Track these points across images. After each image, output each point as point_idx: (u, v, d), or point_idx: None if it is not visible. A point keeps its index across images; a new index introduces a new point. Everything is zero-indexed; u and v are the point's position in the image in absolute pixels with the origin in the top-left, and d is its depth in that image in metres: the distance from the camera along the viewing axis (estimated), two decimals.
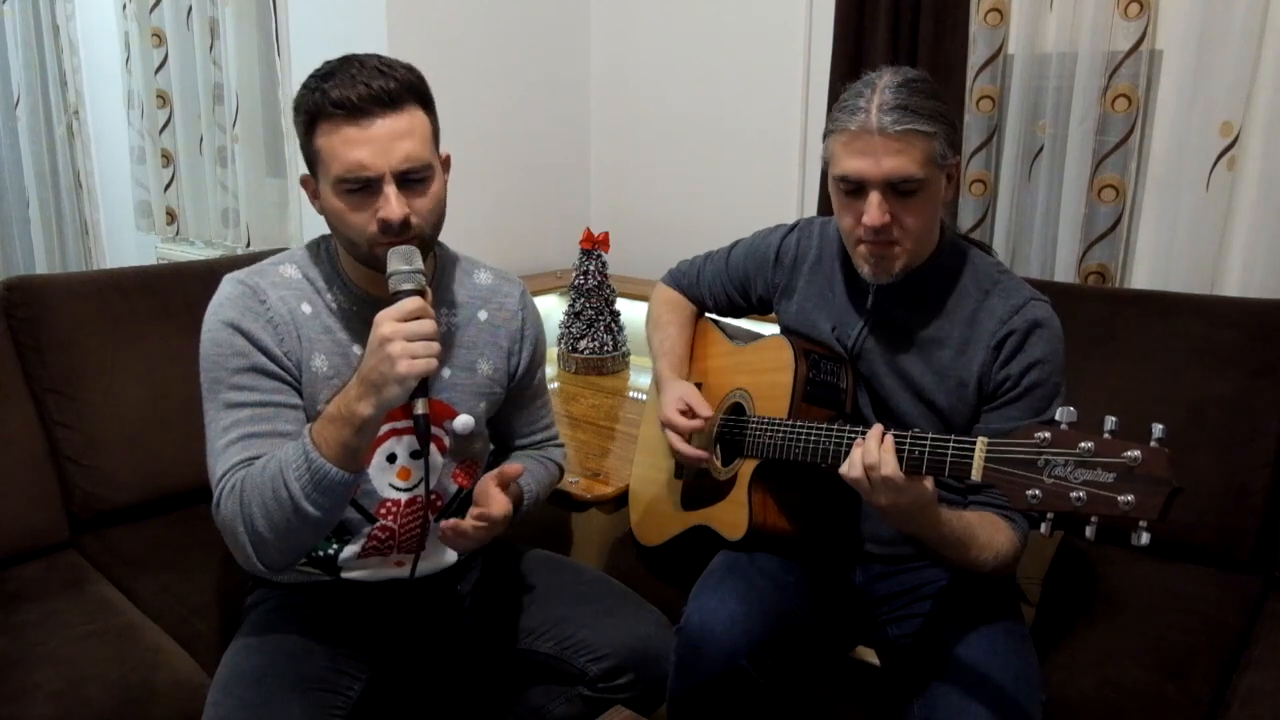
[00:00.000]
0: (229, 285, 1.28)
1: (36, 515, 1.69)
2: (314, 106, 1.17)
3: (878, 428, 1.15)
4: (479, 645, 1.45)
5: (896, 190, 1.23)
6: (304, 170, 1.27)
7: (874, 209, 1.23)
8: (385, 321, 1.11)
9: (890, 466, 1.11)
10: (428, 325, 1.12)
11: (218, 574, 1.64)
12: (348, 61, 1.18)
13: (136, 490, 1.79)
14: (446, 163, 1.29)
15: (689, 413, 1.44)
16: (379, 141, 1.15)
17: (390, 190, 1.17)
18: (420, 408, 1.14)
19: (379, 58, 1.19)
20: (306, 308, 1.29)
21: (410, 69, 1.21)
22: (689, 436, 1.45)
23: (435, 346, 1.12)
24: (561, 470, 1.58)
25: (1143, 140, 2.03)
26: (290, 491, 1.14)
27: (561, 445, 1.60)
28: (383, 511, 1.35)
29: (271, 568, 1.23)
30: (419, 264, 1.17)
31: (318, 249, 1.35)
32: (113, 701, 1.32)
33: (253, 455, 1.21)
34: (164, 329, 1.84)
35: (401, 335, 1.09)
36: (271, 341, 1.25)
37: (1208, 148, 1.91)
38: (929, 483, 1.13)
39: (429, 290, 1.19)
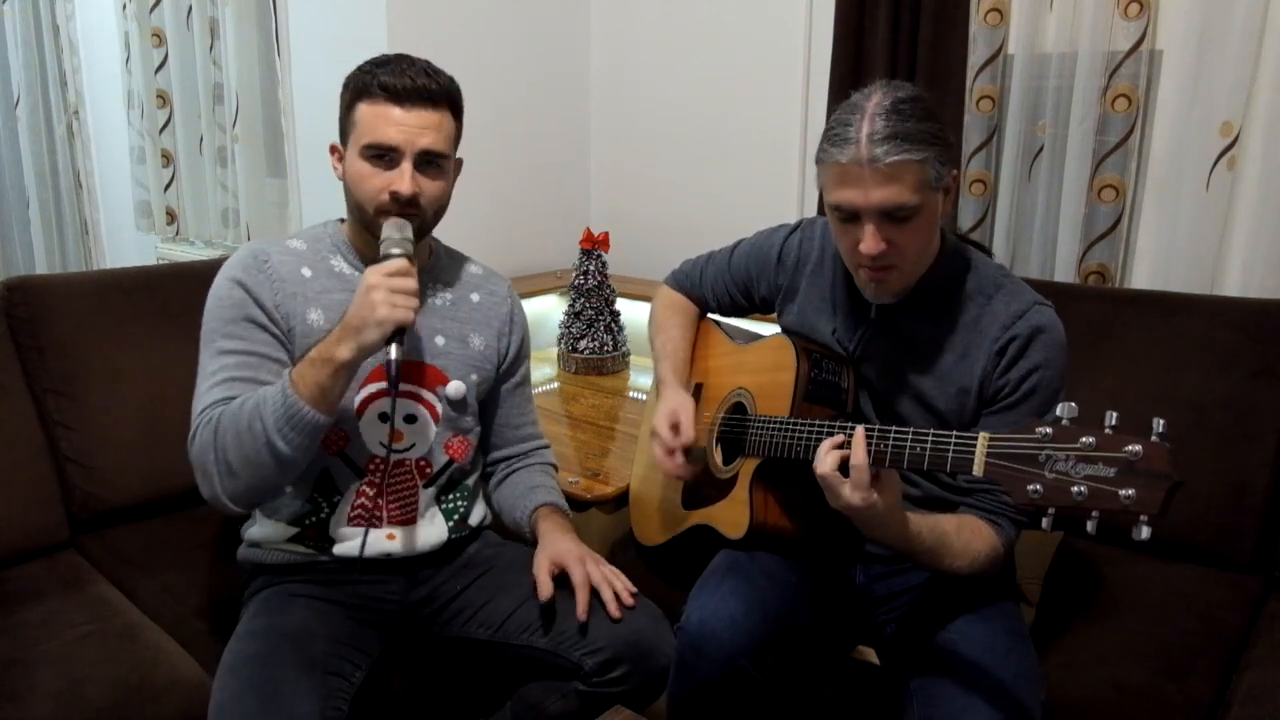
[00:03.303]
0: (240, 251, 1.40)
1: (36, 515, 1.69)
2: (362, 85, 1.33)
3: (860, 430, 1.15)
4: (474, 640, 1.45)
5: (891, 217, 1.21)
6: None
7: (869, 239, 1.22)
8: (373, 274, 1.23)
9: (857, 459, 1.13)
10: (410, 283, 1.24)
11: (218, 574, 1.64)
12: (402, 57, 1.35)
13: (136, 490, 1.79)
14: (458, 166, 1.43)
15: (675, 430, 1.44)
16: (409, 125, 1.31)
17: (407, 167, 1.32)
18: (393, 353, 1.23)
19: (429, 63, 1.36)
20: (307, 271, 1.40)
21: (453, 81, 1.38)
22: (673, 450, 1.46)
23: (414, 302, 1.23)
24: (556, 469, 1.66)
25: (1143, 140, 2.03)
26: (265, 425, 1.22)
27: (548, 445, 1.66)
28: (371, 467, 1.41)
29: (234, 501, 1.28)
30: (409, 234, 1.31)
31: (324, 227, 1.46)
32: (113, 701, 1.32)
33: (231, 395, 1.29)
34: (164, 329, 1.84)
35: (385, 286, 1.21)
36: (267, 296, 1.35)
37: (1208, 148, 1.91)
38: (892, 492, 1.16)
39: (414, 260, 1.30)
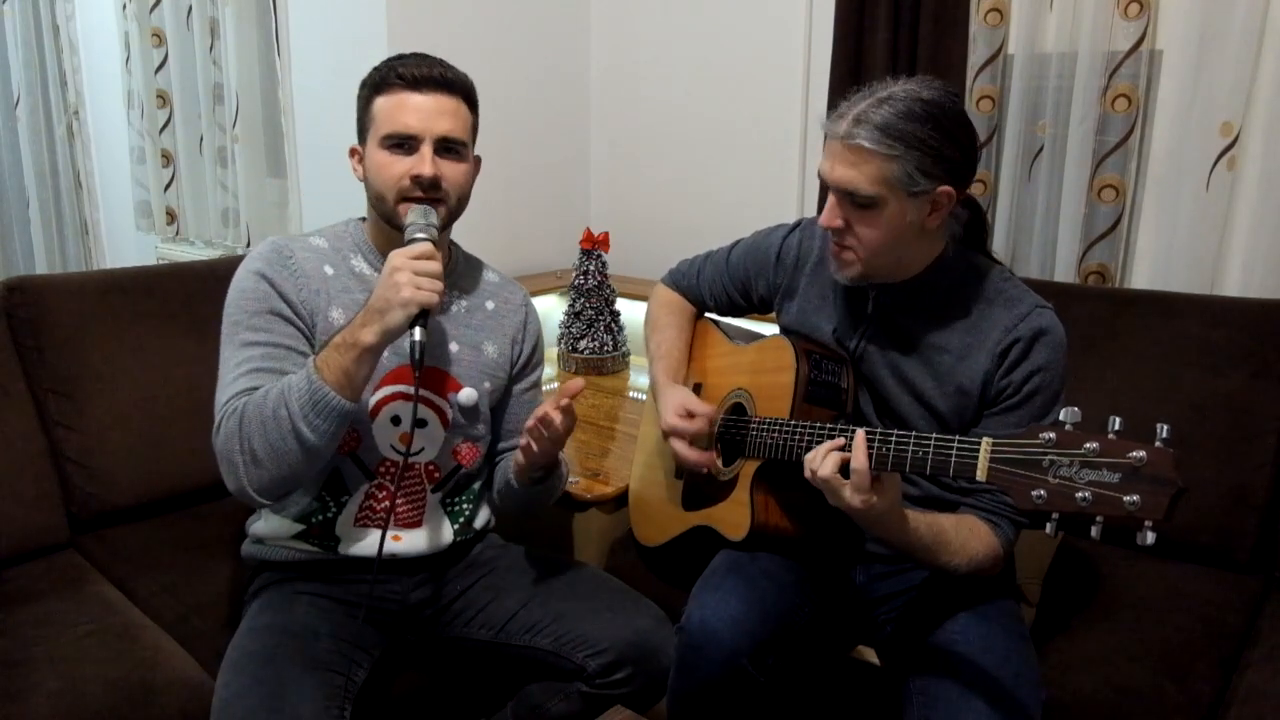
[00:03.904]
0: (262, 245, 1.40)
1: (36, 515, 1.69)
2: (380, 79, 1.36)
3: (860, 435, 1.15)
4: (476, 641, 1.45)
5: (851, 199, 1.24)
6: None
7: (826, 210, 1.29)
8: (397, 256, 1.24)
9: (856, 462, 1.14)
10: (435, 265, 1.24)
11: (218, 574, 1.64)
12: (418, 53, 1.38)
13: (136, 490, 1.79)
14: (477, 163, 1.44)
15: (689, 417, 1.44)
16: (427, 111, 1.33)
17: (427, 151, 1.33)
18: (418, 335, 1.23)
19: (443, 60, 1.38)
20: (329, 269, 1.40)
21: (467, 77, 1.40)
22: (693, 441, 1.45)
23: (439, 284, 1.23)
24: (567, 468, 1.60)
25: (1143, 140, 2.03)
26: (290, 411, 1.22)
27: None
28: (381, 470, 1.41)
29: (260, 493, 1.27)
30: (434, 220, 1.31)
31: (345, 226, 1.47)
32: (113, 701, 1.32)
33: (256, 386, 1.28)
34: (164, 329, 1.84)
35: (410, 268, 1.21)
36: (291, 290, 1.35)
37: (1208, 148, 1.91)
38: (893, 493, 1.16)
39: (439, 246, 1.30)
